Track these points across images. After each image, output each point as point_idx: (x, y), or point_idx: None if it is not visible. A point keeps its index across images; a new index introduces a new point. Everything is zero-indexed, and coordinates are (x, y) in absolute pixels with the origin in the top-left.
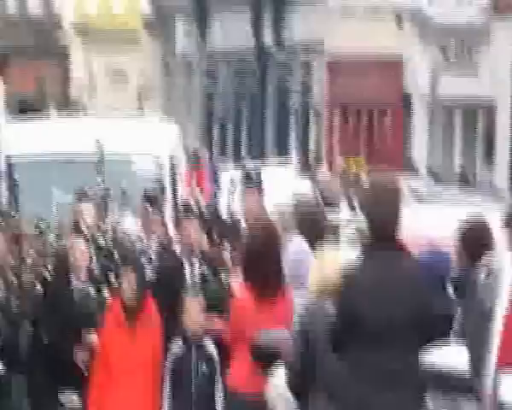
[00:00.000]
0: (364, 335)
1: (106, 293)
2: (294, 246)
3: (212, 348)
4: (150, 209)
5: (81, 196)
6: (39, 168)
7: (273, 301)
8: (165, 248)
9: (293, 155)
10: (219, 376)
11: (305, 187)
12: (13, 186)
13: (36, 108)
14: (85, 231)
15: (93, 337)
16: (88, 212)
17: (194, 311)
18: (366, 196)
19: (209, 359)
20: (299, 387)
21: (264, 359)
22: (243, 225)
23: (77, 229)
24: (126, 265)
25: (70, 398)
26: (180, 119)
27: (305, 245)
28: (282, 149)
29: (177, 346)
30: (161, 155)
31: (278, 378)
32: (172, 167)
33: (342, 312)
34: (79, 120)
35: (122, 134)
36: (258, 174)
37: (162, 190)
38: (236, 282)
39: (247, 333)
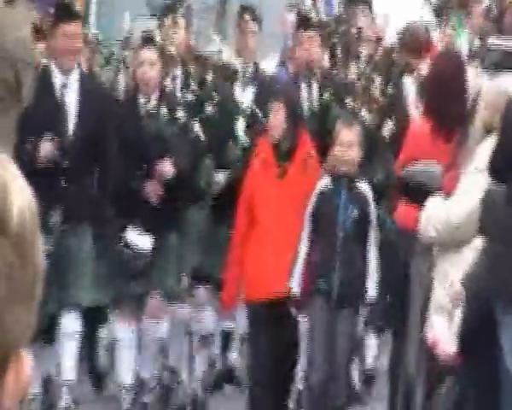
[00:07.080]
0: None
1: (181, 115)
2: None
3: (366, 188)
4: (250, 21)
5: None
6: None
7: (450, 138)
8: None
9: None
10: (373, 224)
11: None
12: None
13: None
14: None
15: (166, 167)
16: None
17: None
18: None
19: (362, 200)
20: None
21: (413, 192)
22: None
23: (148, 40)
24: (276, 98)
25: (139, 239)
26: None
27: None
28: None
29: (324, 183)
30: None
31: (430, 209)
32: None
33: (504, 137)
34: None
35: None
36: None
37: None
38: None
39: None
